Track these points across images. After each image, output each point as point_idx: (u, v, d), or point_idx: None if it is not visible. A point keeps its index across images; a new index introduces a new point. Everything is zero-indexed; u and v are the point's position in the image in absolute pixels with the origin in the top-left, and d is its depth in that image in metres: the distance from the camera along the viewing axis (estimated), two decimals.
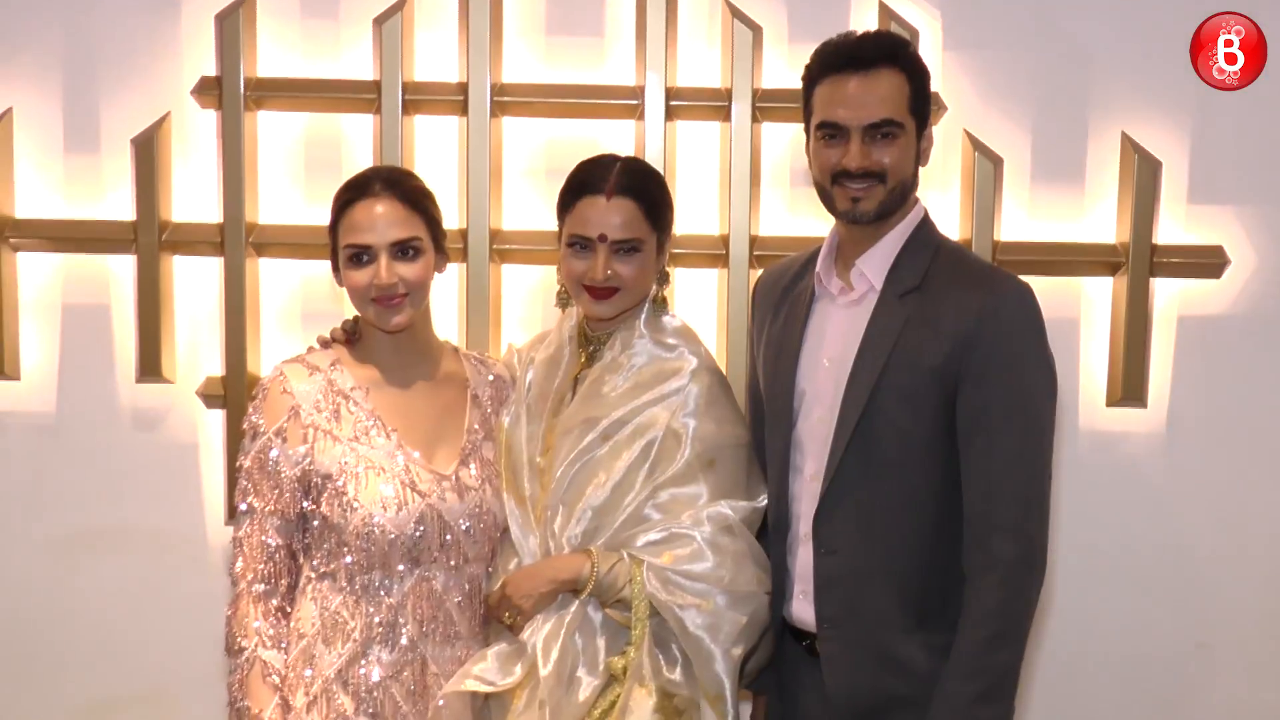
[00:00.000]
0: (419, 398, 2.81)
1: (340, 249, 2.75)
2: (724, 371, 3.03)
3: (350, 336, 2.85)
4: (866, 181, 2.66)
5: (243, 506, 2.73)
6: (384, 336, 2.79)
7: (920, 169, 2.77)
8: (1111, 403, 3.75)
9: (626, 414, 2.77)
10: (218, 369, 3.78)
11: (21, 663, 3.90)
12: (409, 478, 2.71)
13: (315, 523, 2.70)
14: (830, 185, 2.70)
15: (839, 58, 2.68)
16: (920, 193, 2.81)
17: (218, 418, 3.79)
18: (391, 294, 2.72)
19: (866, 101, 2.64)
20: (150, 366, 3.76)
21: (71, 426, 3.86)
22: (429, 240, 2.78)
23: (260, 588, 2.70)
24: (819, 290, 2.83)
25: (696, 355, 2.84)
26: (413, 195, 2.77)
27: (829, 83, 2.68)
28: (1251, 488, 3.81)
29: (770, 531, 2.84)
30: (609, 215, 2.76)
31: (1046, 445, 2.67)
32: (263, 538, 2.70)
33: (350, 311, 2.85)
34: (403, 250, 2.73)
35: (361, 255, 2.72)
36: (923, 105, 2.72)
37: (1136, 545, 3.83)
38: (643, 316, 2.85)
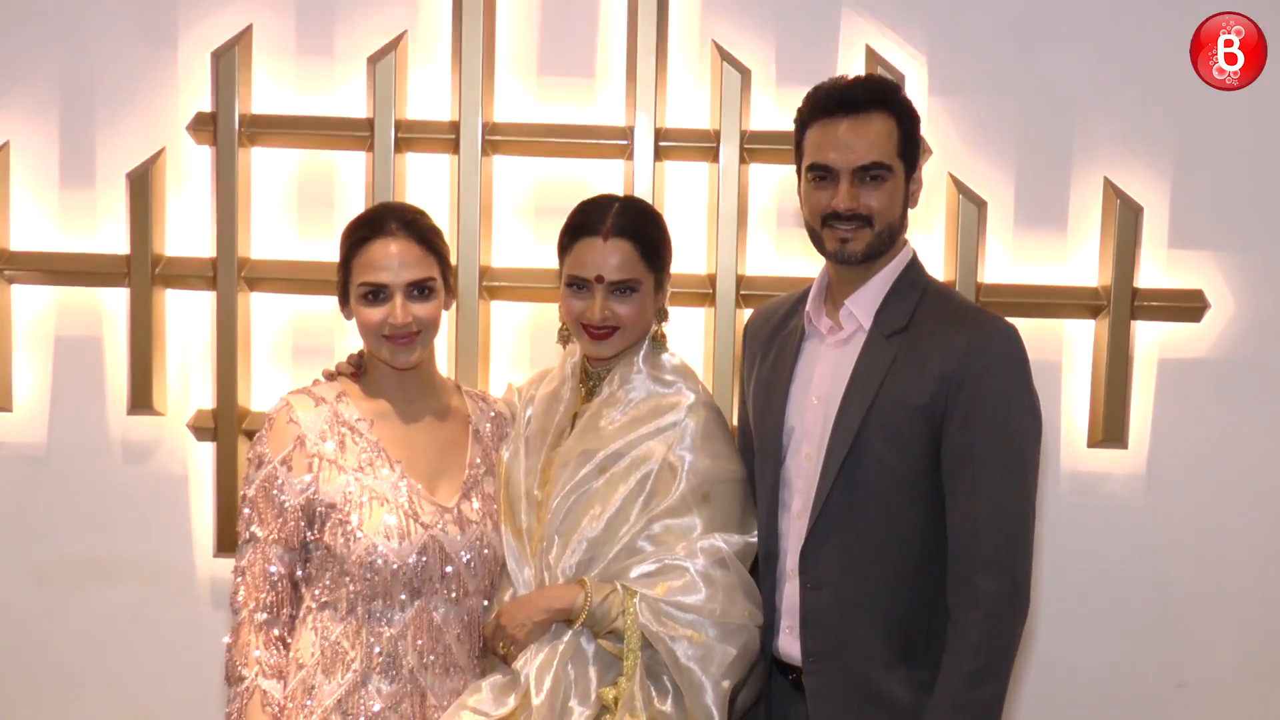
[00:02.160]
0: (422, 431, 2.83)
1: (354, 285, 2.77)
2: None
3: (357, 370, 2.87)
4: (854, 223, 2.69)
5: (246, 535, 2.73)
6: (390, 371, 2.82)
7: (910, 211, 2.80)
8: (1093, 444, 3.78)
9: (623, 447, 2.78)
10: (208, 402, 3.79)
11: (10, 692, 3.89)
12: (412, 509, 2.72)
13: (318, 553, 2.71)
14: (820, 227, 2.73)
15: (830, 101, 2.71)
16: (906, 234, 2.84)
17: (208, 450, 3.80)
18: (406, 333, 2.74)
19: (856, 144, 2.67)
20: (141, 399, 3.77)
21: (63, 457, 3.86)
22: (441, 280, 2.80)
23: (262, 616, 2.70)
24: (808, 329, 2.85)
25: (694, 391, 2.86)
26: (427, 235, 2.80)
27: (820, 126, 2.71)
28: (1230, 529, 3.84)
29: (760, 567, 2.84)
30: (606, 256, 2.78)
31: (1031, 483, 2.69)
32: (266, 566, 2.70)
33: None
34: (418, 290, 2.75)
35: (376, 293, 2.74)
36: (912, 149, 2.75)
37: (1117, 586, 3.85)
38: (642, 353, 2.86)
